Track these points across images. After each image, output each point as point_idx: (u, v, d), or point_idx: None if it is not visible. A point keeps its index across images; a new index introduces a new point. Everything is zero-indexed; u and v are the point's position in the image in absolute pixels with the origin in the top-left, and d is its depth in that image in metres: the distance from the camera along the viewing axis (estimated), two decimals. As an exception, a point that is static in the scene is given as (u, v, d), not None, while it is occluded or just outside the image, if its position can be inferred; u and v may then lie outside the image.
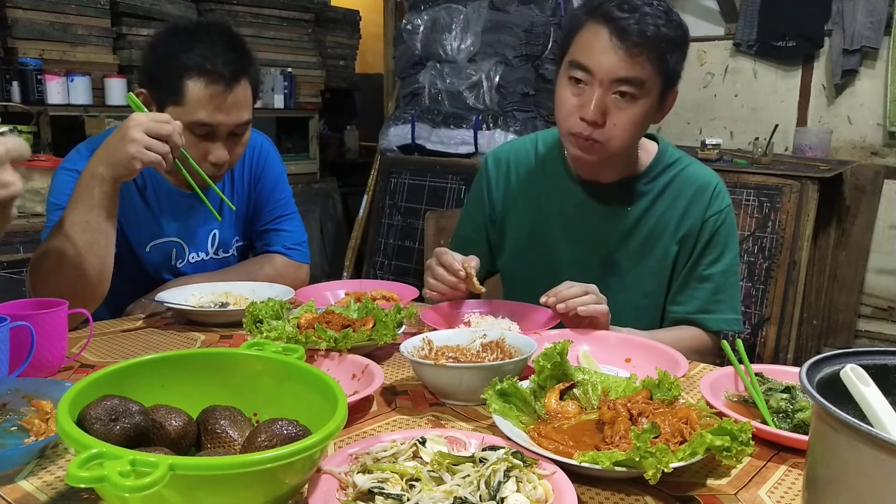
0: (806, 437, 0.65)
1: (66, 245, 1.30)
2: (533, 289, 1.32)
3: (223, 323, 1.39)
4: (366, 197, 4.05)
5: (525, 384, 0.95)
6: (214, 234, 1.66)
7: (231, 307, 1.43)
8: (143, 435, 0.73)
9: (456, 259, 1.32)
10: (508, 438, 0.83)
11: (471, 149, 3.61)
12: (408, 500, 0.69)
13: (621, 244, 1.47)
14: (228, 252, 1.71)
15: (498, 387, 0.91)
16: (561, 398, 0.95)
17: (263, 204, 1.73)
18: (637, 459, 0.74)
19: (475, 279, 1.31)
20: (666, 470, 0.74)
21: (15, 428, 0.87)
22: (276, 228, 1.74)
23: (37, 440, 0.83)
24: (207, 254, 1.66)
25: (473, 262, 1.33)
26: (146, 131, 1.27)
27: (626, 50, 1.26)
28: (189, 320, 1.41)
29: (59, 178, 1.48)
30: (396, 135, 3.84)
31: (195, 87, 1.41)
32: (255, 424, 0.78)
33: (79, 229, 1.30)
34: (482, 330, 1.15)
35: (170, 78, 1.42)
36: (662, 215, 1.46)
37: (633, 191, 1.46)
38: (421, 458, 0.78)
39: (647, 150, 1.49)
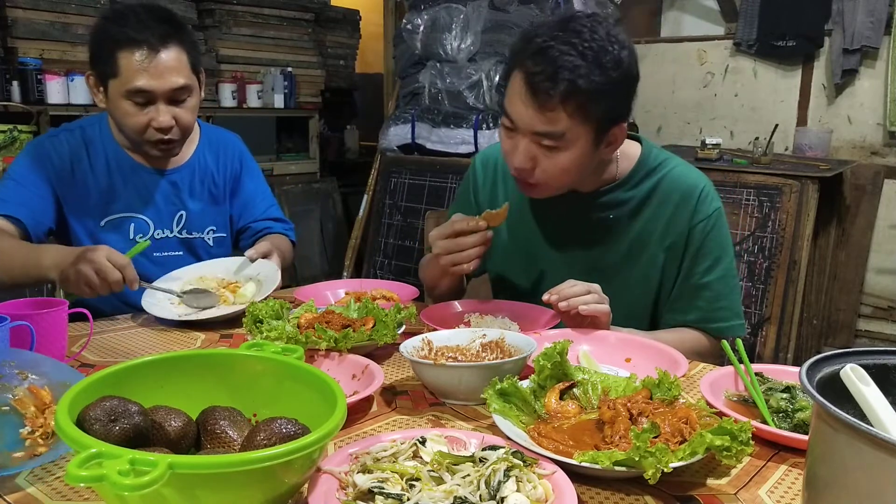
0: (806, 437, 0.65)
1: None
2: (518, 293, 1.30)
3: (212, 322, 1.39)
4: (366, 197, 4.04)
5: (525, 384, 0.95)
6: (181, 214, 1.72)
7: (215, 308, 1.43)
8: (143, 436, 0.73)
9: (464, 219, 1.30)
10: (508, 438, 0.83)
11: (471, 148, 3.61)
12: (408, 499, 0.69)
13: (605, 252, 1.43)
14: (200, 234, 1.76)
15: (498, 386, 0.91)
16: (561, 398, 0.95)
17: (251, 199, 1.85)
18: (637, 459, 0.74)
19: (492, 212, 1.29)
20: (666, 470, 0.74)
21: (7, 408, 0.86)
22: (271, 217, 1.88)
23: (32, 431, 0.83)
24: (172, 231, 1.72)
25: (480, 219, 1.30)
26: (107, 257, 1.30)
27: (539, 106, 1.19)
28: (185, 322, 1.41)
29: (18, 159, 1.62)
30: (396, 134, 3.83)
31: (126, 57, 1.51)
32: (255, 425, 0.78)
33: (6, 257, 1.45)
34: (482, 330, 1.15)
35: (106, 54, 1.52)
36: (648, 223, 1.40)
37: (615, 199, 1.41)
38: (421, 457, 0.78)
39: (628, 156, 1.41)
